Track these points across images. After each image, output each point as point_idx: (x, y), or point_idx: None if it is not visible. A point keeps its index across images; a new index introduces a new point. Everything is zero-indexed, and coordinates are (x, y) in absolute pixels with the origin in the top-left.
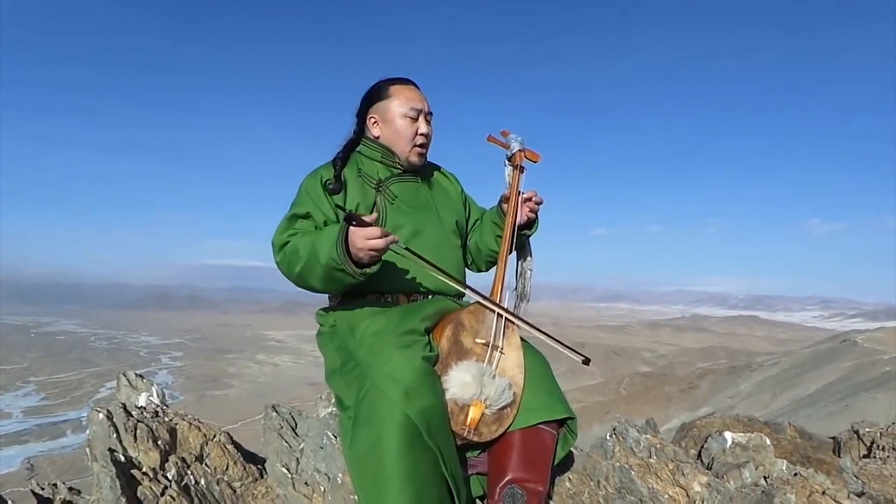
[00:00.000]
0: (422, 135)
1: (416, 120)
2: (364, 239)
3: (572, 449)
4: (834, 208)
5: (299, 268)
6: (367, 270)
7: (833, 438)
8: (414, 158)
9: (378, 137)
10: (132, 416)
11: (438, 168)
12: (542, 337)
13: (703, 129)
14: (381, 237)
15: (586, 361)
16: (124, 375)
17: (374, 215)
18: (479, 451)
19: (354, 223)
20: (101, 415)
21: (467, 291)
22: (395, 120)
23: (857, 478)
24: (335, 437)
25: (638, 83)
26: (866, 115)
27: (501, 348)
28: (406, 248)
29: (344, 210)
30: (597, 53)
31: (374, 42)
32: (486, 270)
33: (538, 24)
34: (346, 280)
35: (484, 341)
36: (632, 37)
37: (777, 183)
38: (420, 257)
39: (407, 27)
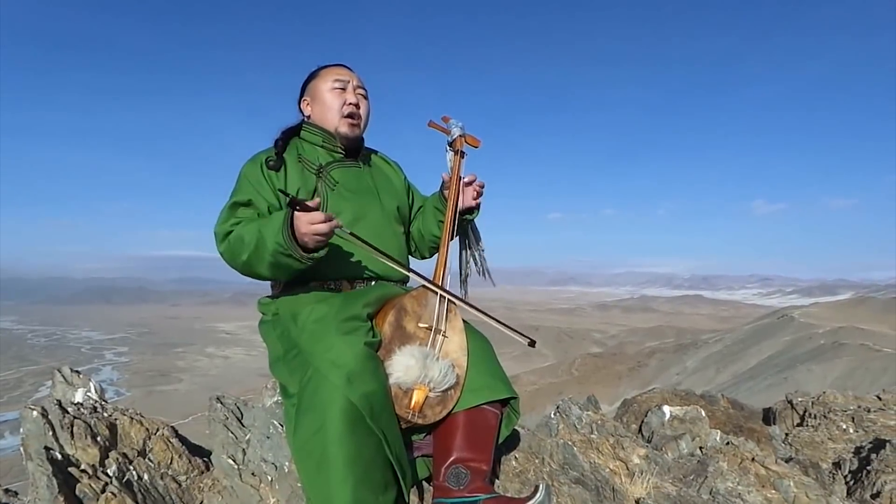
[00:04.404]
0: (350, 104)
1: (343, 91)
2: (308, 224)
3: (519, 428)
4: (778, 189)
5: (246, 255)
6: (315, 255)
7: (767, 409)
8: (344, 129)
9: (310, 117)
10: (68, 412)
11: (381, 155)
12: (487, 320)
13: (659, 113)
14: (324, 222)
15: (532, 343)
16: (59, 371)
17: (318, 200)
18: (424, 434)
19: (298, 208)
20: (34, 412)
21: (411, 275)
22: (323, 94)
23: (790, 444)
24: (281, 426)
25: (595, 67)
26: (811, 102)
27: (444, 332)
28: (351, 234)
29: (286, 194)
30: (552, 38)
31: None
32: (430, 257)
33: (491, 7)
34: (294, 266)
35: (427, 325)
36: (586, 22)
37: (727, 165)
38: (365, 242)
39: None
